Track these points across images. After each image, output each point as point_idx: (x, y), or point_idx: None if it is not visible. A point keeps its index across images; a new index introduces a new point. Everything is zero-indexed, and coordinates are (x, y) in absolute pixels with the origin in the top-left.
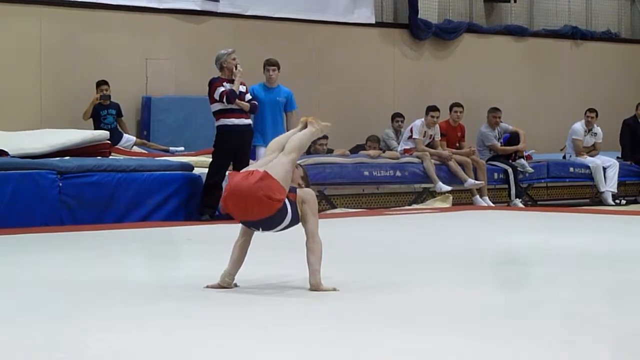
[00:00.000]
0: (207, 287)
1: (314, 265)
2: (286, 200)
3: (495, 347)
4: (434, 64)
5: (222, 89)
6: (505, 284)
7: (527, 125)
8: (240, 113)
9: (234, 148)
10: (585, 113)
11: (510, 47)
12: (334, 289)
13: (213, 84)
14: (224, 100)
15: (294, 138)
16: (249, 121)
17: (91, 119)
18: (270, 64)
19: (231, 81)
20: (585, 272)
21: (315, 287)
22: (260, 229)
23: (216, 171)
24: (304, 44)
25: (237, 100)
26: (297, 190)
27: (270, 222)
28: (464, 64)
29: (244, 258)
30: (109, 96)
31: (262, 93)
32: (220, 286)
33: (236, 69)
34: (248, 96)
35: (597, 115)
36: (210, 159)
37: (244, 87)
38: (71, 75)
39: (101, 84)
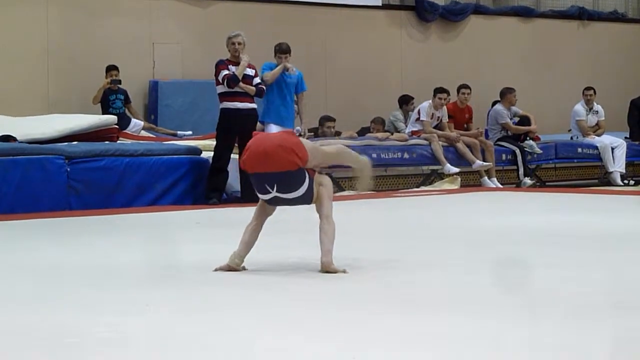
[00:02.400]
0: (216, 269)
1: (327, 245)
2: (306, 171)
3: (496, 328)
4: (441, 45)
5: (225, 71)
6: (512, 264)
7: (535, 106)
8: (244, 96)
9: (237, 131)
10: (583, 92)
11: (517, 28)
12: (344, 271)
13: (218, 66)
14: (225, 83)
15: (341, 146)
16: (253, 105)
17: (99, 104)
18: (282, 51)
19: (238, 64)
20: (593, 252)
21: (326, 266)
22: (275, 188)
23: (220, 155)
24: (311, 26)
25: (241, 84)
26: (316, 172)
27: (287, 181)
28: (471, 45)
29: (255, 241)
30: (119, 81)
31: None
32: (229, 267)
33: (237, 53)
34: (257, 80)
35: (595, 93)
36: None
37: (253, 70)
38: (78, 60)
39: (111, 68)
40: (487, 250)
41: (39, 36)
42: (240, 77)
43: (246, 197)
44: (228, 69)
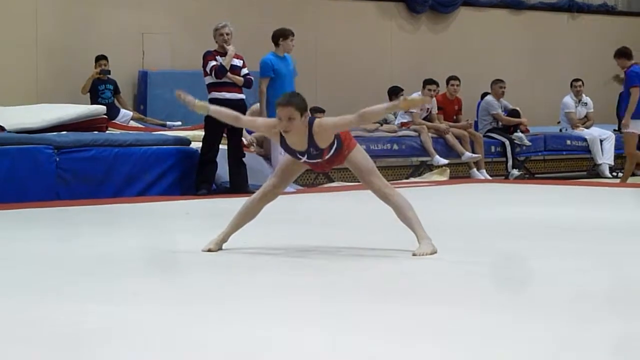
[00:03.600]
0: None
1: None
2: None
3: (495, 318)
4: (431, 37)
5: (213, 62)
6: (502, 256)
7: (524, 99)
8: (232, 87)
9: (225, 122)
10: (572, 83)
11: (507, 20)
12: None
13: (206, 57)
14: (213, 74)
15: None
16: (242, 95)
17: (88, 95)
18: (292, 33)
19: (225, 54)
20: (582, 244)
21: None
22: None
23: (209, 146)
24: (301, 18)
25: (229, 74)
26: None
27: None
28: (461, 37)
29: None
30: (109, 71)
31: (280, 64)
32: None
33: (225, 44)
34: (244, 70)
35: (583, 84)
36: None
37: (241, 61)
38: (67, 49)
39: (100, 58)
40: (480, 242)
41: (28, 25)
42: (227, 68)
43: (235, 187)
44: (215, 60)
